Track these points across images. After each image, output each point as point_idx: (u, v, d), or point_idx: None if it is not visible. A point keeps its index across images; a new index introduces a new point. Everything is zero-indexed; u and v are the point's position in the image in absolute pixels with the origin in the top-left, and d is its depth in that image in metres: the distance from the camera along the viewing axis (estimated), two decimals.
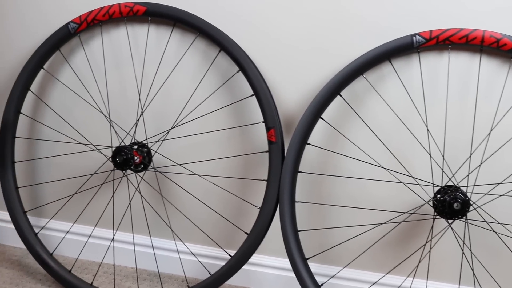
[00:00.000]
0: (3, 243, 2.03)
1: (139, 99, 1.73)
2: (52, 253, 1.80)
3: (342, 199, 1.66)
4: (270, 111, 1.56)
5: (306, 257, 1.55)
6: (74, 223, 1.90)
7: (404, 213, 1.58)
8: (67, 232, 1.90)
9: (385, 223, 1.58)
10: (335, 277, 1.69)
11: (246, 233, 1.61)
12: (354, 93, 1.58)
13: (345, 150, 1.62)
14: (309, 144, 1.56)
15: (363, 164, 1.61)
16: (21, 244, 1.88)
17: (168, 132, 1.72)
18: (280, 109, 1.62)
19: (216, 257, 1.80)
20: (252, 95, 1.59)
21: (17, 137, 1.83)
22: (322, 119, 1.55)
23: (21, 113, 1.81)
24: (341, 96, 1.54)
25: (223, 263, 1.77)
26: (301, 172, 1.57)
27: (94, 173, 1.82)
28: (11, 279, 1.81)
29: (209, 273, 1.65)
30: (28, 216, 1.84)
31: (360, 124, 1.59)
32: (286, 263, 1.73)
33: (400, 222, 1.59)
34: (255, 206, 1.66)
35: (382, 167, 1.58)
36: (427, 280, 1.58)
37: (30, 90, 1.80)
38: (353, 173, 1.63)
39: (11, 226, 1.87)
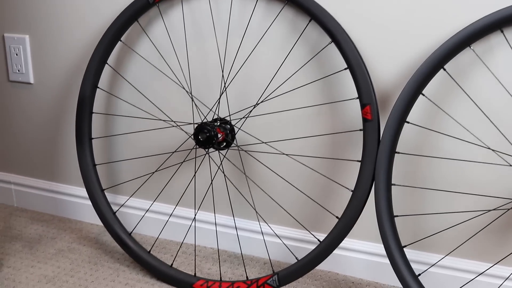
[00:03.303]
0: (80, 219, 2.00)
1: (222, 74, 1.63)
2: (131, 232, 1.75)
3: (440, 182, 1.52)
4: (366, 86, 1.43)
5: (402, 244, 1.44)
6: (154, 201, 1.84)
7: None
8: (147, 210, 1.85)
9: (494, 209, 1.44)
10: (430, 265, 1.57)
11: (336, 217, 1.51)
12: (458, 66, 1.43)
13: (446, 129, 1.48)
14: (408, 122, 1.43)
15: (465, 145, 1.46)
16: (98, 221, 1.83)
17: (253, 108, 1.62)
18: (375, 84, 1.49)
19: (301, 239, 1.71)
20: (345, 69, 1.46)
21: (94, 112, 1.77)
22: (423, 95, 1.42)
23: (98, 87, 1.75)
24: (445, 70, 1.40)
25: (307, 246, 1.67)
26: (398, 152, 1.45)
27: (176, 151, 1.74)
28: (89, 258, 1.77)
29: (296, 258, 1.56)
30: (106, 194, 1.79)
31: (463, 100, 1.44)
32: (376, 247, 1.62)
33: (509, 209, 1.45)
34: (348, 189, 1.54)
35: (489, 148, 1.43)
36: None
37: (107, 63, 1.73)
38: (454, 154, 1.49)
39: (88, 202, 1.82)
